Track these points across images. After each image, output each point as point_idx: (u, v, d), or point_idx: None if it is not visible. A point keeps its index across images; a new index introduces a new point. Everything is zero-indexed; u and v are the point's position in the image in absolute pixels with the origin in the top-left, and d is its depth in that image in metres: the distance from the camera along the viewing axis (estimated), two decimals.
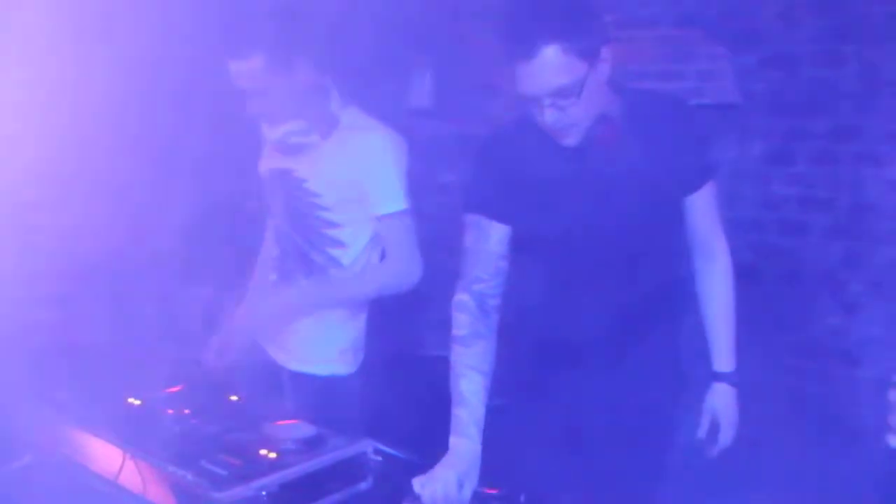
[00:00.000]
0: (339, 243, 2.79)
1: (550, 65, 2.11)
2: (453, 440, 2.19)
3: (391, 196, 2.70)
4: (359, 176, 2.69)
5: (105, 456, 2.24)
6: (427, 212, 2.85)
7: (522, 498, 2.07)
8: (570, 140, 2.25)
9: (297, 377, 2.87)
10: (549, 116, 2.18)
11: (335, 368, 2.85)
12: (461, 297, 2.35)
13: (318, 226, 2.78)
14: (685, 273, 2.56)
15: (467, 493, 2.10)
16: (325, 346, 2.85)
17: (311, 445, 2.18)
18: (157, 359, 2.77)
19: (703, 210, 2.45)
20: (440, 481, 2.06)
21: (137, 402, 2.43)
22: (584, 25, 2.15)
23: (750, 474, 3.20)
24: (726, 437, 2.58)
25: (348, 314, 2.86)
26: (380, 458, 2.25)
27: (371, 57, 3.41)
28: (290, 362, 2.89)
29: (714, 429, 2.57)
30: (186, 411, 2.37)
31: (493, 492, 2.13)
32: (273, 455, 2.12)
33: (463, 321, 2.33)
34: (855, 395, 3.35)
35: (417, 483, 2.06)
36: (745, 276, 3.71)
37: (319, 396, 2.80)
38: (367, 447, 2.23)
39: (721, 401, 2.58)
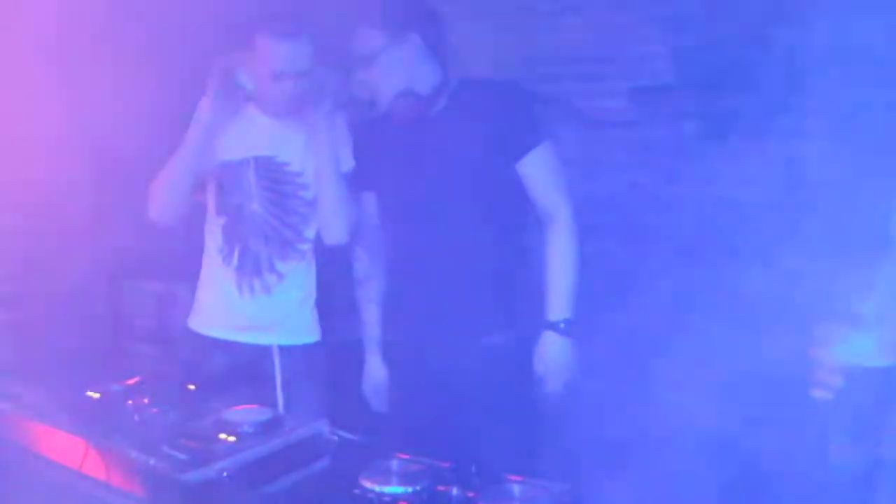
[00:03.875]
0: (307, 220, 3.03)
1: (358, 35, 2.79)
2: (367, 356, 3.08)
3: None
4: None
5: (67, 447, 2.29)
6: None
7: (474, 468, 2.15)
8: (380, 105, 2.83)
9: (288, 350, 3.06)
10: (358, 78, 2.81)
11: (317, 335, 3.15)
12: (356, 249, 3.06)
13: (296, 205, 3.02)
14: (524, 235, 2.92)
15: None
16: (310, 315, 3.13)
17: (269, 428, 2.26)
18: (114, 352, 2.81)
19: (534, 175, 2.84)
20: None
21: (96, 395, 2.48)
22: (388, 11, 2.78)
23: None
24: (553, 383, 2.86)
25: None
26: (336, 438, 2.32)
27: None
28: (280, 338, 3.06)
29: (543, 375, 2.85)
30: (146, 401, 2.43)
31: (447, 465, 2.22)
32: (232, 438, 2.19)
33: (357, 268, 3.08)
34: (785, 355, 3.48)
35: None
36: (683, 249, 3.87)
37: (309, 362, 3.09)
38: (323, 427, 2.31)
39: (547, 348, 2.85)
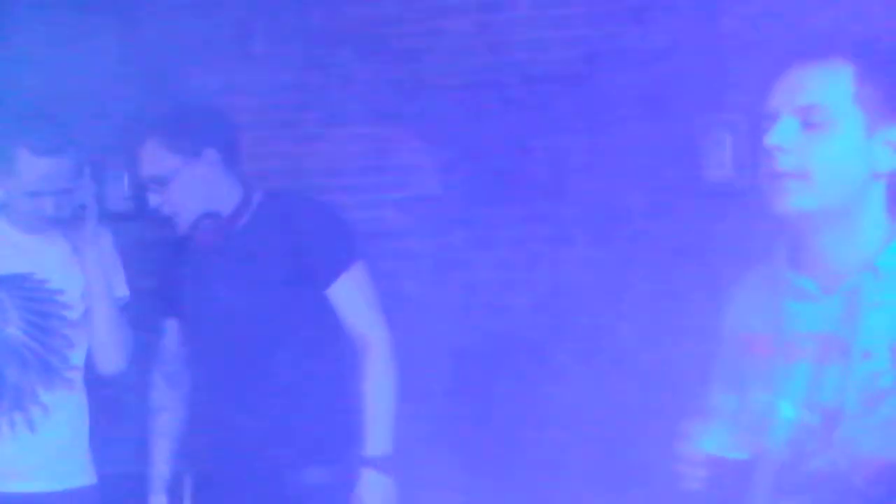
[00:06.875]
0: (72, 344, 2.77)
1: (147, 154, 2.61)
2: (151, 497, 2.78)
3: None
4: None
5: None
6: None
7: None
8: (178, 229, 2.64)
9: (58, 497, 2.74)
10: (152, 200, 2.65)
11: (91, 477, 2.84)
12: (154, 376, 2.82)
13: (59, 326, 2.77)
14: (337, 359, 2.69)
15: None
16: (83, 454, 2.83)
17: None
18: None
19: (346, 300, 2.64)
20: None
21: None
22: (180, 126, 2.61)
23: None
24: None
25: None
26: None
27: None
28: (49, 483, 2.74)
29: None
30: None
31: None
32: None
33: (153, 396, 2.82)
34: (565, 452, 3.54)
35: None
36: (458, 357, 3.86)
37: None
38: None
39: (364, 488, 2.58)
